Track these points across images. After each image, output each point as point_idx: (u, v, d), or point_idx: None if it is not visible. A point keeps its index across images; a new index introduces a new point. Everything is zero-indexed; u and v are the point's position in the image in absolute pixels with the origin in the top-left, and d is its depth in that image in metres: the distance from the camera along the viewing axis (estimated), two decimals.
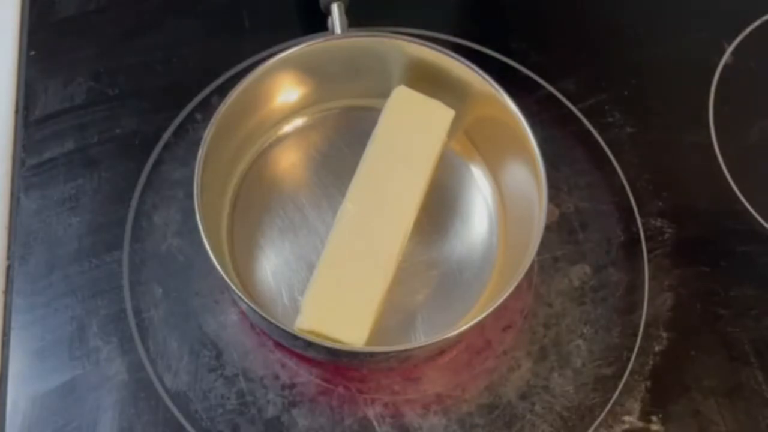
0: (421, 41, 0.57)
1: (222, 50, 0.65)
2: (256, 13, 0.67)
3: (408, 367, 0.55)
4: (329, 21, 0.60)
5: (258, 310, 0.49)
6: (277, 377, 0.55)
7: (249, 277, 0.56)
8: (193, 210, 0.51)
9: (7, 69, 0.64)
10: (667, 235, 0.61)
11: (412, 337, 0.55)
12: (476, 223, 0.59)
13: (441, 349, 0.55)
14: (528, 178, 0.54)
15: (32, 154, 0.61)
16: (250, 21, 0.67)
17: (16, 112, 0.62)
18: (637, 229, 0.60)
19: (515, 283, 0.50)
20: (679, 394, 0.56)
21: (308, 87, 0.60)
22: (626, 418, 0.55)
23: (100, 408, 0.54)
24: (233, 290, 0.50)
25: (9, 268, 0.57)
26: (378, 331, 0.53)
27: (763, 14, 0.70)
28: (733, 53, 0.68)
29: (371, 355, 0.52)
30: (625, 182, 0.62)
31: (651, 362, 0.57)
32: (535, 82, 0.65)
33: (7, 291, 0.56)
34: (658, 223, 0.61)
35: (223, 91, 0.55)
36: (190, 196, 0.51)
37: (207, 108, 0.61)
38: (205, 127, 0.53)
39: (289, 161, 0.60)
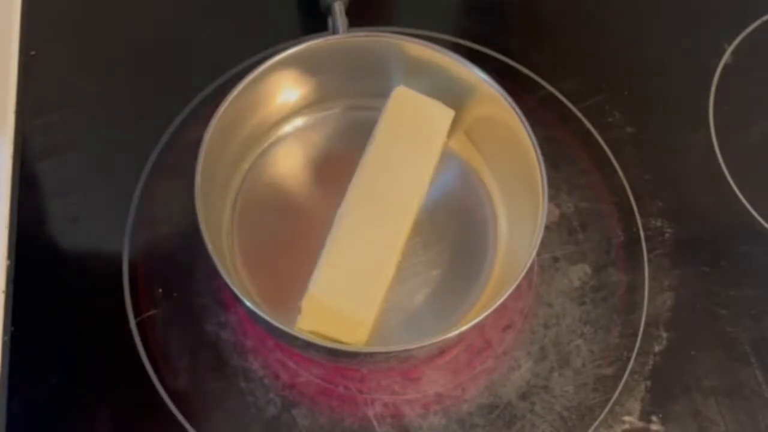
0: (421, 41, 0.57)
1: (222, 50, 0.65)
2: (256, 13, 0.67)
3: (408, 367, 0.55)
4: (329, 21, 0.60)
5: (258, 310, 0.49)
6: (277, 377, 0.55)
7: (249, 277, 0.56)
8: (193, 210, 0.51)
9: (7, 69, 0.64)
10: (667, 235, 0.61)
11: (412, 337, 0.54)
12: (476, 223, 0.59)
13: (441, 349, 0.55)
14: (528, 178, 0.54)
15: (32, 154, 0.61)
16: (251, 21, 0.67)
17: (16, 111, 0.62)
18: (637, 229, 0.61)
19: (515, 283, 0.50)
20: (679, 394, 0.56)
21: (308, 87, 0.60)
22: (626, 418, 0.55)
23: (100, 408, 0.54)
24: (234, 290, 0.50)
25: (9, 268, 0.57)
26: (378, 331, 0.53)
27: (763, 14, 0.70)
28: (733, 53, 0.68)
29: (371, 355, 0.52)
30: (625, 182, 0.62)
31: (651, 362, 0.57)
32: (535, 82, 0.65)
33: (7, 291, 0.56)
34: (658, 223, 0.61)
35: (223, 91, 0.55)
36: (191, 196, 0.51)
37: (207, 108, 0.61)
38: (205, 127, 0.53)
39: (289, 161, 0.60)
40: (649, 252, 0.60)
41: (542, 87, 0.65)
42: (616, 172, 0.62)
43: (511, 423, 0.54)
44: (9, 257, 0.57)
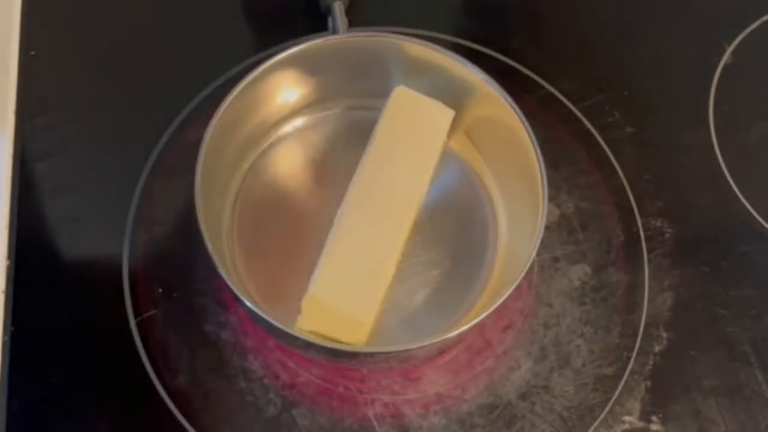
0: (421, 41, 0.57)
1: (222, 50, 0.65)
2: (256, 13, 0.67)
3: (408, 367, 0.55)
4: (329, 21, 0.60)
5: (258, 310, 0.49)
6: (277, 377, 0.55)
7: (249, 277, 0.56)
8: (193, 210, 0.51)
9: (7, 69, 0.64)
10: (667, 235, 0.61)
11: (412, 337, 0.54)
12: (476, 222, 0.59)
13: (441, 349, 0.55)
14: (528, 178, 0.54)
15: (32, 154, 0.61)
16: (250, 21, 0.67)
17: (16, 111, 0.62)
18: (637, 229, 0.61)
19: (515, 283, 0.50)
20: (679, 394, 0.56)
21: (308, 87, 0.60)
22: (626, 418, 0.55)
23: (101, 408, 0.54)
24: (234, 290, 0.50)
25: (9, 268, 0.57)
26: (378, 331, 0.53)
27: (763, 14, 0.70)
28: (733, 53, 0.68)
29: (371, 355, 0.52)
30: (625, 182, 0.62)
31: (651, 362, 0.57)
32: (535, 82, 0.65)
33: (7, 291, 0.56)
34: (658, 223, 0.61)
35: (223, 91, 0.55)
36: (191, 196, 0.51)
37: (207, 108, 0.61)
38: (205, 127, 0.53)
39: (289, 161, 0.60)
40: (649, 252, 0.60)
41: (542, 87, 0.65)
42: (616, 172, 0.62)
43: (511, 423, 0.54)
44: (9, 257, 0.57)
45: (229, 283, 0.50)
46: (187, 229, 0.57)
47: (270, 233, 0.57)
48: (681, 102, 0.66)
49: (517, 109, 0.55)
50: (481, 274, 0.57)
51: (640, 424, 0.55)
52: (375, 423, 0.54)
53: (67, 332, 0.55)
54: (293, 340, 0.50)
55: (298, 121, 0.61)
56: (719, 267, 0.60)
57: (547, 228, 0.53)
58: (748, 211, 0.62)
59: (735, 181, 0.63)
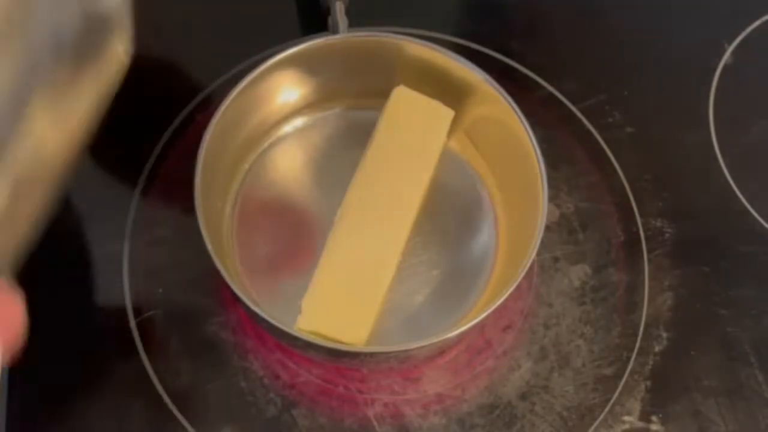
0: (421, 41, 0.57)
1: (222, 50, 0.65)
2: (257, 13, 0.67)
3: (408, 367, 0.55)
4: (329, 21, 0.60)
5: (258, 310, 0.49)
6: (277, 377, 0.55)
7: (249, 277, 0.56)
8: (193, 210, 0.51)
9: None
10: (667, 235, 0.61)
11: (412, 337, 0.54)
12: (476, 223, 0.59)
13: (441, 349, 0.55)
14: (528, 178, 0.54)
15: None
16: (251, 21, 0.67)
17: None
18: (637, 229, 0.61)
19: (515, 283, 0.50)
20: (679, 394, 0.56)
21: (308, 87, 0.60)
22: (626, 418, 0.55)
23: (100, 408, 0.54)
24: (234, 290, 0.50)
25: None
26: (378, 331, 0.53)
27: (763, 14, 0.70)
28: (733, 53, 0.68)
29: (371, 355, 0.52)
30: (625, 182, 0.62)
31: (651, 362, 0.57)
32: (535, 82, 0.65)
33: None
34: (658, 223, 0.61)
35: (223, 91, 0.55)
36: (191, 196, 0.51)
37: (207, 108, 0.62)
38: (205, 127, 0.53)
39: (289, 161, 0.60)
40: (649, 252, 0.60)
41: (542, 87, 0.65)
42: (616, 172, 0.62)
43: (511, 423, 0.54)
44: None
45: (230, 283, 0.50)
46: (187, 229, 0.57)
47: (270, 233, 0.57)
48: (681, 102, 0.66)
49: (517, 109, 0.55)
50: (481, 274, 0.57)
51: (640, 424, 0.55)
52: (375, 423, 0.54)
53: (67, 332, 0.55)
54: (293, 340, 0.50)
55: (298, 121, 0.61)
56: (719, 267, 0.60)
57: (547, 228, 0.53)
58: (748, 211, 0.62)
59: (735, 181, 0.63)
